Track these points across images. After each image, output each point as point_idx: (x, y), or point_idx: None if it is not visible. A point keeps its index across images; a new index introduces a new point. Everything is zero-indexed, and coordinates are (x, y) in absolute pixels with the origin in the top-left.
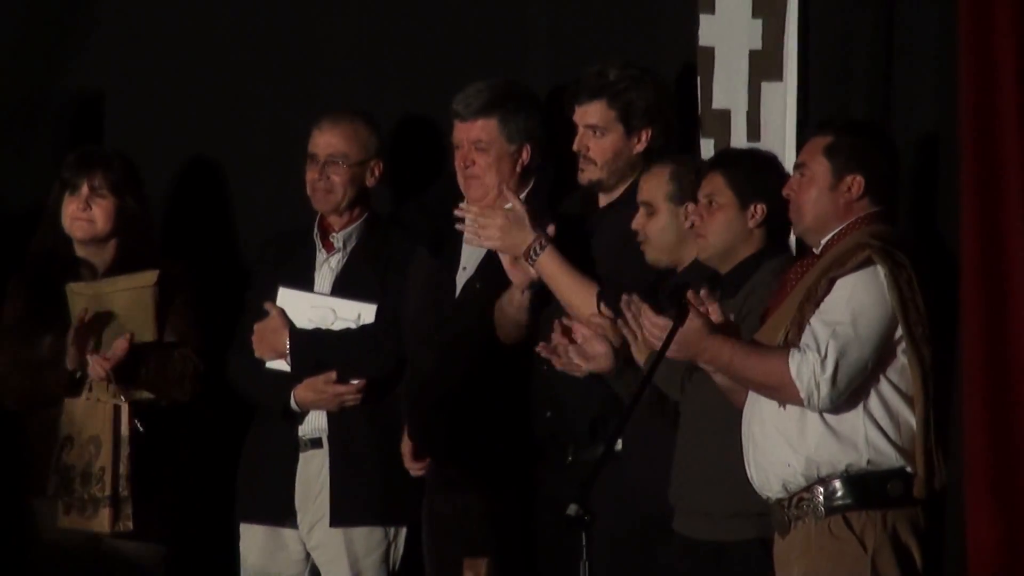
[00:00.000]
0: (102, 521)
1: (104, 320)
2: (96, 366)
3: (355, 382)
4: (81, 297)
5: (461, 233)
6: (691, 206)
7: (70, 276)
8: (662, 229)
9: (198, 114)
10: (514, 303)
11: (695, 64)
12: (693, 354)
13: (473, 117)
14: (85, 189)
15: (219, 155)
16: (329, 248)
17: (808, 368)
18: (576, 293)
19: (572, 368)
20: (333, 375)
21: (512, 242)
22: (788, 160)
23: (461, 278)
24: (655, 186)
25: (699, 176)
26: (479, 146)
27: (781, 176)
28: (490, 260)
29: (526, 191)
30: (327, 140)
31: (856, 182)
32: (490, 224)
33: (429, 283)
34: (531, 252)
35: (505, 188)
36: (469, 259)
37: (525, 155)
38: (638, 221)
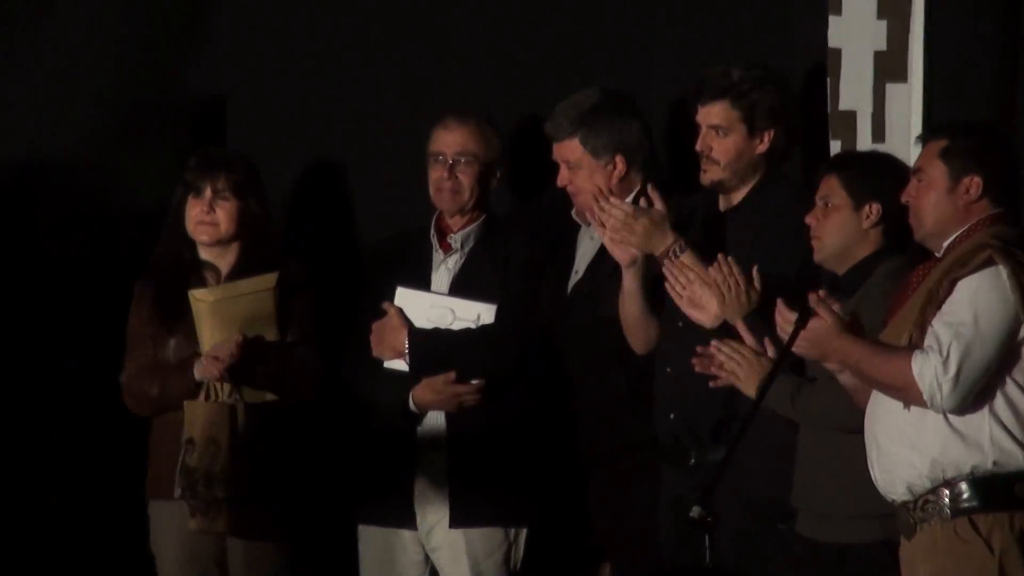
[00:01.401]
0: (224, 522)
1: (228, 325)
2: (210, 367)
3: (474, 382)
4: (203, 303)
5: (575, 238)
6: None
7: (194, 279)
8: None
9: (319, 116)
10: (626, 289)
11: (825, 65)
12: (823, 353)
13: (561, 139)
14: (208, 192)
15: (339, 156)
16: (446, 249)
17: (930, 369)
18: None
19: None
20: (452, 375)
21: (652, 243)
22: (912, 161)
23: (573, 282)
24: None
25: (816, 179)
26: (571, 166)
27: (898, 177)
28: (598, 262)
29: (629, 198)
30: (456, 139)
31: (974, 183)
32: (635, 225)
33: (545, 288)
34: (670, 254)
35: (650, 188)
36: (581, 263)
37: (620, 166)
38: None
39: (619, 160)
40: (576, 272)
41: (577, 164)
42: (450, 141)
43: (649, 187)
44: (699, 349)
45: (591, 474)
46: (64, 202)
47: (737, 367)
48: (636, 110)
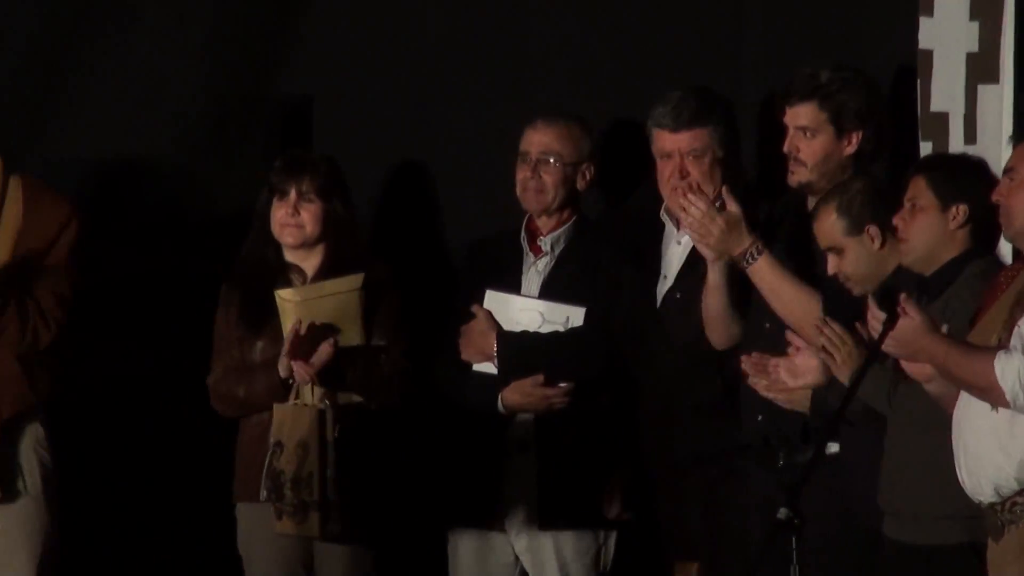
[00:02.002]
0: (312, 525)
1: (313, 326)
2: (301, 371)
3: (563, 385)
4: (289, 303)
5: (660, 242)
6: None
7: (280, 281)
8: (855, 263)
9: (406, 116)
10: (710, 283)
11: (915, 67)
12: (911, 352)
13: (687, 127)
14: (293, 194)
15: (426, 158)
16: (537, 251)
17: (1013, 370)
18: (795, 300)
19: (775, 390)
20: (541, 378)
21: (728, 245)
22: (1004, 163)
23: (661, 288)
24: (828, 229)
25: (905, 181)
26: (694, 155)
27: (984, 178)
28: (688, 269)
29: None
30: (541, 139)
31: None
32: (712, 226)
33: (632, 294)
34: (747, 257)
35: (725, 191)
36: (669, 268)
37: (732, 161)
38: (832, 267)
39: (732, 154)
40: (665, 277)
41: (702, 154)
42: (536, 141)
43: (724, 189)
44: (754, 353)
45: (684, 476)
46: (152, 205)
47: (836, 351)
48: (731, 113)
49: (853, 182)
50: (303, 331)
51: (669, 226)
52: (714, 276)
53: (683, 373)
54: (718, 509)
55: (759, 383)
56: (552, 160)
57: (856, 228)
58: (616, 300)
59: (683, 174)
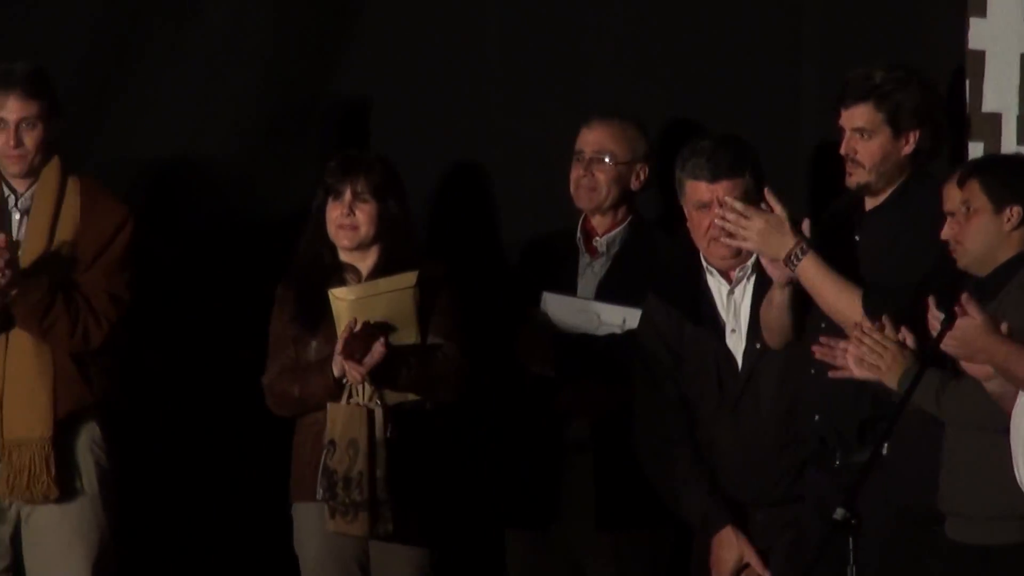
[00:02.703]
0: (362, 525)
1: (367, 324)
2: (352, 371)
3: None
4: (343, 302)
5: (705, 294)
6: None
7: (335, 281)
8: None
9: (462, 117)
10: (774, 302)
11: (964, 67)
12: (970, 352)
13: (725, 176)
14: (348, 194)
15: (482, 158)
16: (593, 252)
17: None
18: (840, 298)
19: (847, 373)
20: (592, 382)
21: (771, 246)
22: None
23: (733, 341)
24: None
25: (959, 184)
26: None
27: None
28: (757, 318)
29: None
30: (595, 138)
31: None
32: (750, 226)
33: (697, 350)
34: (792, 257)
35: (767, 191)
36: (732, 320)
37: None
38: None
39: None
40: (733, 331)
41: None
42: (590, 140)
43: (766, 191)
44: (821, 339)
45: (777, 511)
46: (208, 205)
47: (879, 359)
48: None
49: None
50: (357, 329)
51: (715, 277)
52: (780, 297)
53: (782, 426)
54: (780, 511)
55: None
56: (605, 159)
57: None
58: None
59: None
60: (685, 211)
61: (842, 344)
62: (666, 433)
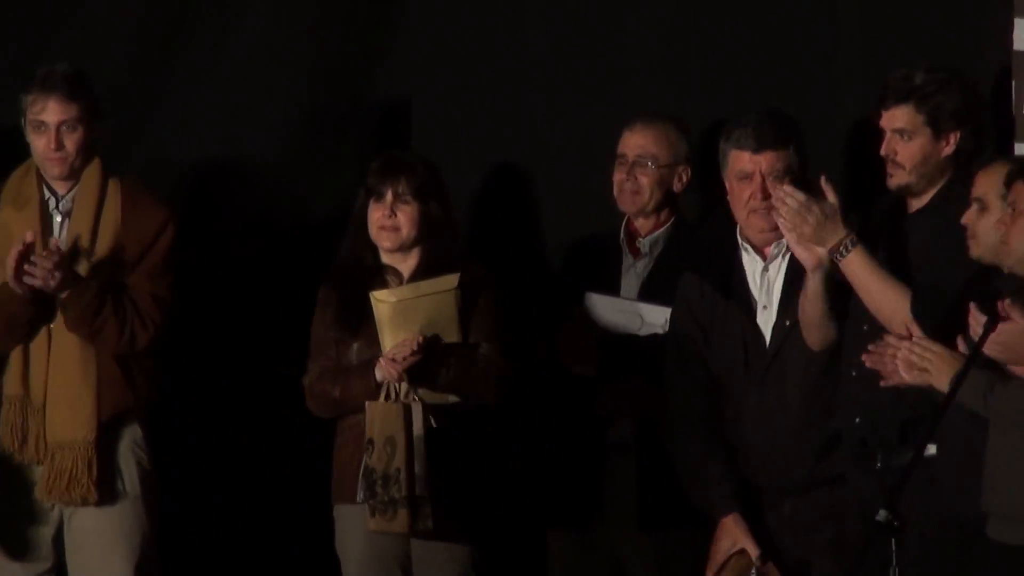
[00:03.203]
0: (402, 522)
1: (409, 327)
2: (389, 368)
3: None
4: (384, 305)
5: (739, 270)
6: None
7: (377, 283)
8: (992, 226)
9: (505, 117)
10: (808, 290)
11: (1010, 68)
12: (1014, 356)
13: (771, 147)
14: (389, 196)
15: (525, 159)
16: (635, 253)
17: None
18: (885, 296)
19: (897, 379)
20: (634, 383)
21: (822, 236)
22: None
23: (764, 318)
24: (990, 183)
25: (1007, 184)
26: (776, 176)
27: None
28: (791, 296)
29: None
30: (637, 141)
31: None
32: (806, 216)
33: (727, 326)
34: (840, 249)
35: (823, 180)
36: (764, 297)
37: (803, 183)
38: (968, 216)
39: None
40: (764, 307)
41: (783, 174)
42: (632, 143)
43: (822, 179)
44: (871, 347)
45: (806, 497)
46: (250, 206)
47: (929, 364)
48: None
49: None
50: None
51: (750, 254)
52: (814, 284)
53: (810, 403)
54: (835, 529)
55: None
56: (647, 163)
57: None
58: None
59: (764, 195)
60: (726, 184)
61: (890, 352)
62: (689, 414)
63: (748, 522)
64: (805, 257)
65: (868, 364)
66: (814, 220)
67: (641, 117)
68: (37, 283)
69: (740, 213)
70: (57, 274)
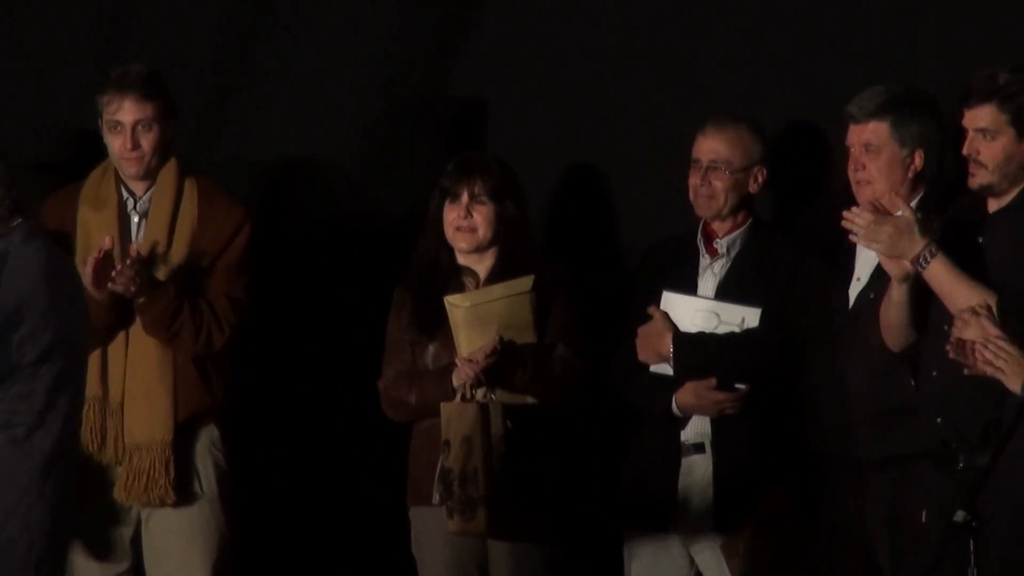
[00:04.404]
0: (480, 523)
1: (484, 330)
2: (466, 368)
3: (740, 386)
4: (459, 309)
5: (854, 243)
6: None
7: (453, 285)
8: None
9: (580, 118)
10: (893, 299)
11: None
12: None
13: (865, 119)
14: (465, 197)
15: (601, 159)
16: (713, 253)
17: None
18: (969, 301)
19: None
20: (713, 382)
21: (900, 248)
22: None
23: (854, 289)
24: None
25: None
26: (870, 149)
27: None
28: (882, 271)
29: (917, 198)
30: (710, 145)
31: None
32: (880, 230)
33: (823, 294)
34: (920, 259)
35: (894, 194)
36: (863, 269)
37: (917, 161)
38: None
39: (919, 154)
40: (858, 279)
41: (878, 149)
42: (705, 148)
43: (891, 193)
44: (953, 340)
45: (872, 478)
46: (325, 207)
47: (1004, 364)
48: (938, 110)
49: None
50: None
51: None
52: (898, 294)
53: (877, 374)
54: (909, 513)
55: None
56: (722, 167)
57: None
58: (793, 300)
59: (858, 167)
60: None
61: (969, 345)
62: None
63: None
64: (892, 268)
65: (951, 355)
66: (887, 236)
67: (713, 120)
68: (118, 289)
69: (851, 183)
70: (137, 279)
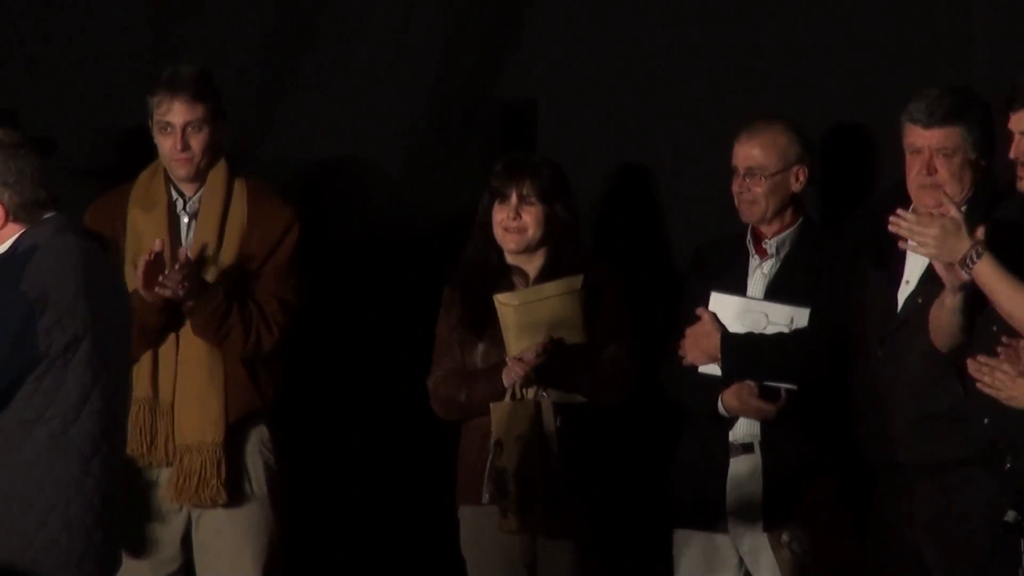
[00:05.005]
0: (537, 520)
1: (534, 328)
2: (516, 367)
3: (788, 387)
4: (508, 307)
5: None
6: None
7: (502, 283)
8: None
9: (630, 119)
10: (946, 305)
11: None
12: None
13: (939, 124)
14: (514, 198)
15: (650, 160)
16: (762, 254)
17: None
18: (1015, 301)
19: (997, 389)
20: (755, 386)
21: (948, 250)
22: None
23: (903, 292)
24: None
25: None
26: (944, 153)
27: None
28: (932, 276)
29: (966, 199)
30: (745, 152)
31: None
32: (926, 232)
33: (872, 297)
34: (967, 260)
35: (943, 195)
36: (912, 272)
37: (983, 164)
38: (1016, 149)
39: (984, 159)
40: (907, 282)
41: (953, 153)
42: (741, 155)
43: (941, 193)
44: (1004, 339)
45: (918, 481)
46: (374, 207)
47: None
48: (991, 112)
49: None
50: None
51: None
52: (952, 301)
53: (925, 379)
54: (957, 516)
55: (984, 380)
56: (758, 174)
57: None
58: (844, 301)
59: (930, 171)
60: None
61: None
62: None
63: None
64: (947, 276)
65: (972, 371)
66: (934, 237)
67: (747, 126)
68: (166, 293)
69: (911, 187)
70: (184, 284)
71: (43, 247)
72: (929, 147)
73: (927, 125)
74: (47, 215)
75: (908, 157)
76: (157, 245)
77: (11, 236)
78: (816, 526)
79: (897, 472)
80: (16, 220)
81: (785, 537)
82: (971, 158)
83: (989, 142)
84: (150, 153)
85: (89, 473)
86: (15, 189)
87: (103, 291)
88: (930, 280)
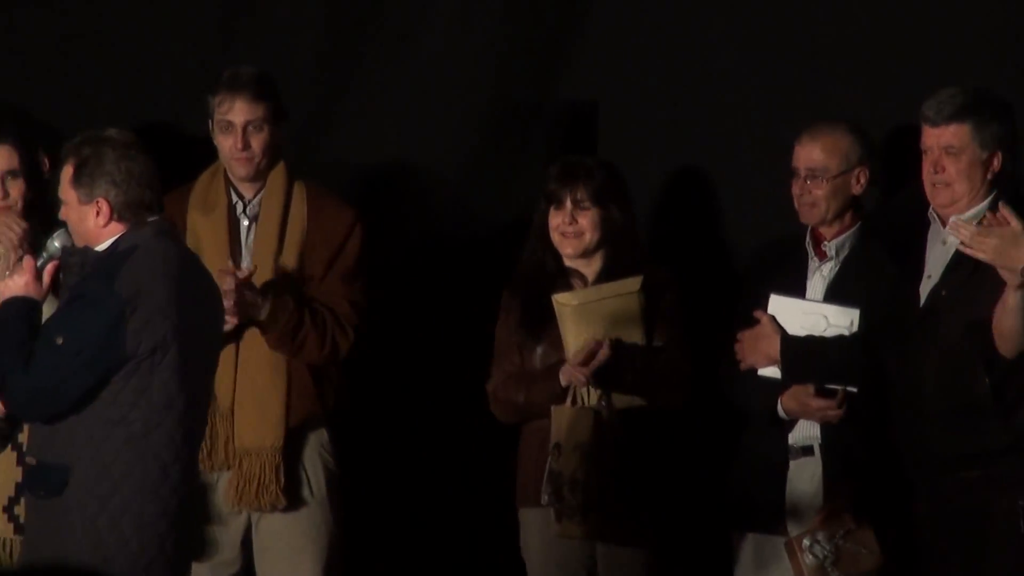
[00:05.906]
0: (593, 527)
1: (592, 329)
2: (576, 373)
3: (850, 389)
4: (567, 308)
5: (925, 240)
6: None
7: (560, 286)
8: None
9: (690, 121)
10: (1008, 305)
11: None
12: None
13: (945, 122)
14: (568, 202)
15: (708, 162)
16: (822, 256)
17: None
18: None
19: (972, 248)
20: (811, 389)
21: (1008, 258)
22: None
23: (926, 287)
24: None
25: None
26: (950, 151)
27: None
28: (955, 268)
29: (988, 199)
30: (807, 154)
31: None
32: (985, 241)
33: (892, 292)
34: None
35: (1001, 205)
36: (934, 267)
37: (996, 163)
38: None
39: (998, 156)
40: (929, 276)
41: (959, 151)
42: (802, 157)
43: (1000, 206)
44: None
45: (948, 478)
46: (434, 210)
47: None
48: (1012, 112)
49: None
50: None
51: (935, 224)
52: (1014, 300)
53: (948, 372)
54: (989, 513)
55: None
56: (819, 176)
57: None
58: (878, 299)
59: (938, 170)
60: None
61: None
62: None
63: None
64: (1007, 275)
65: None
66: (992, 248)
67: (808, 128)
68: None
69: (925, 185)
70: (236, 310)
71: (142, 248)
72: (937, 145)
73: (935, 123)
74: (151, 218)
75: (923, 155)
76: (229, 267)
77: (113, 235)
78: (833, 531)
79: (927, 465)
80: (120, 220)
81: (802, 544)
82: (981, 157)
83: (1007, 141)
84: (210, 155)
85: (167, 479)
86: (122, 188)
87: (196, 299)
88: (953, 273)
